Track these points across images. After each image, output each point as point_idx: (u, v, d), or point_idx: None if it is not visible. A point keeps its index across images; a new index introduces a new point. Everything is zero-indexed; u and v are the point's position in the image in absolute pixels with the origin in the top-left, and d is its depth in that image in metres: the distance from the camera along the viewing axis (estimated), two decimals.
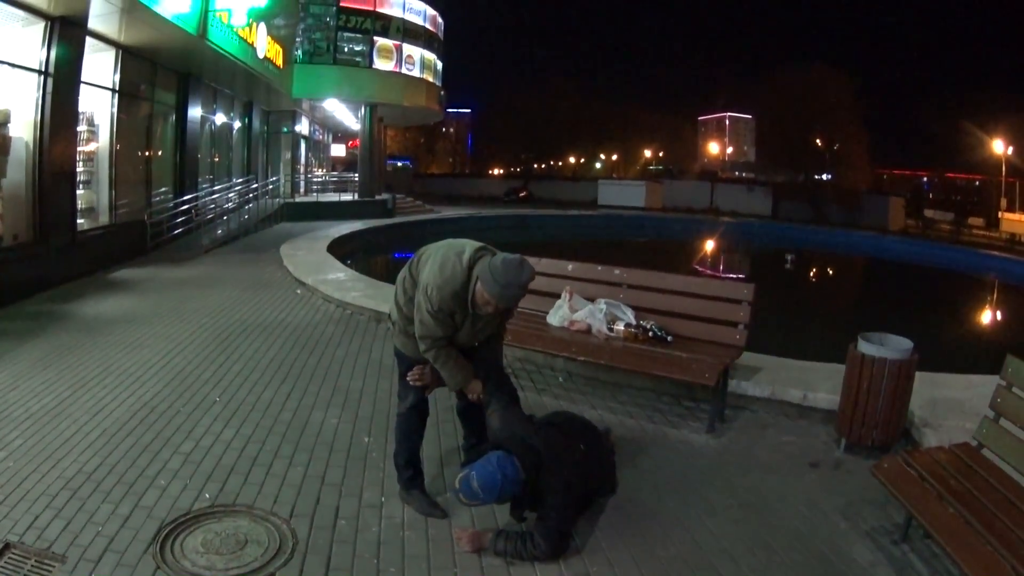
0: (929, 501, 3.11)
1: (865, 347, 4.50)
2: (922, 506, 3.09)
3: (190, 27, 12.11)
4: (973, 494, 3.10)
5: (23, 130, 9.47)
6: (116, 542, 3.29)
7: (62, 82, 9.75)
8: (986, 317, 16.31)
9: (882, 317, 12.25)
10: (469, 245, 3.43)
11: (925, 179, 65.92)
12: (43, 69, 9.53)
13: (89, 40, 10.71)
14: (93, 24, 10.57)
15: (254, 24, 15.79)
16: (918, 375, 4.63)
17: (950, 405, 4.86)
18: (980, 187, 52.29)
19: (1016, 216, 35.66)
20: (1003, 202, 37.86)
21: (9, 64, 9.18)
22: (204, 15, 12.66)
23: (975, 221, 38.74)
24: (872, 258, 27.22)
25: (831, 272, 24.16)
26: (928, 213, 42.24)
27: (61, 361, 6.13)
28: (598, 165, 75.92)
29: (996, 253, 26.47)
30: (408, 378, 3.71)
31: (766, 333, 6.23)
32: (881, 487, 3.44)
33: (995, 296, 19.68)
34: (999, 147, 38.48)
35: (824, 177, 44.71)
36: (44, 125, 9.56)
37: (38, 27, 9.46)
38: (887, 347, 4.48)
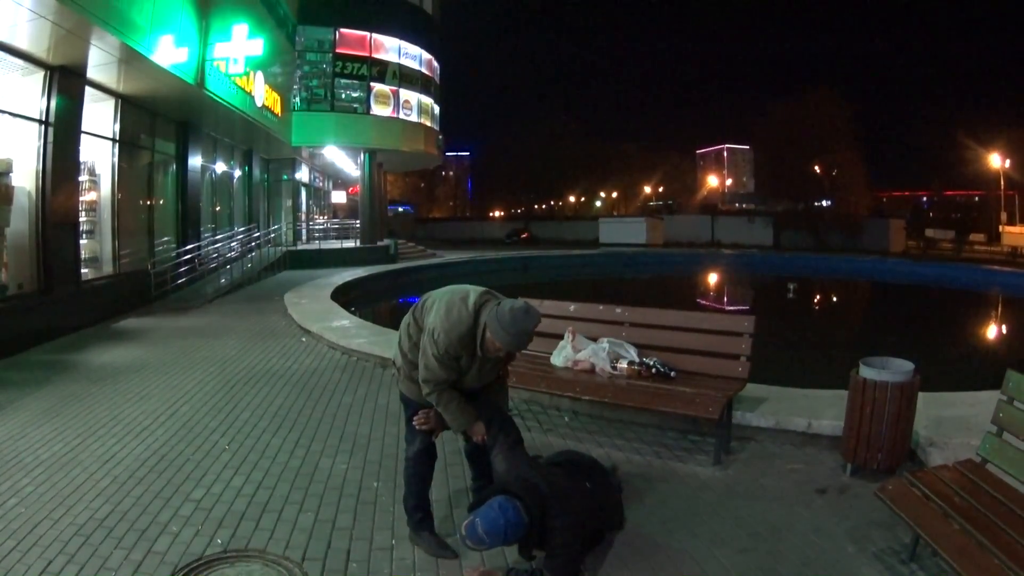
0: (934, 519, 3.12)
1: (867, 372, 4.53)
2: (927, 525, 3.11)
3: (188, 76, 12.33)
4: (978, 509, 3.12)
5: (25, 180, 9.55)
6: None
7: (62, 131, 9.89)
8: (991, 332, 16.25)
9: (886, 340, 12.25)
10: (473, 290, 3.54)
11: (924, 198, 66.25)
12: (43, 119, 9.66)
13: (89, 90, 10.92)
14: (92, 74, 10.77)
15: (252, 73, 16.03)
16: (923, 395, 4.65)
17: (956, 423, 4.87)
18: (980, 203, 52.50)
19: (1017, 229, 35.78)
20: (1003, 216, 37.98)
21: (9, 113, 9.30)
22: (202, 64, 12.91)
23: (976, 237, 38.81)
24: (875, 281, 27.16)
25: (834, 298, 24.09)
26: (929, 232, 42.37)
27: (69, 410, 6.20)
28: (598, 203, 76.37)
29: (998, 268, 26.48)
30: (414, 422, 3.76)
31: (770, 362, 6.23)
32: (887, 509, 3.45)
33: (999, 310, 19.68)
34: (996, 161, 38.70)
35: (824, 204, 44.96)
36: (46, 175, 9.68)
37: (38, 76, 9.62)
38: (889, 370, 4.51)
